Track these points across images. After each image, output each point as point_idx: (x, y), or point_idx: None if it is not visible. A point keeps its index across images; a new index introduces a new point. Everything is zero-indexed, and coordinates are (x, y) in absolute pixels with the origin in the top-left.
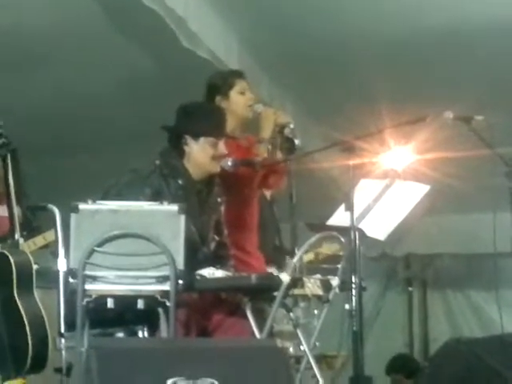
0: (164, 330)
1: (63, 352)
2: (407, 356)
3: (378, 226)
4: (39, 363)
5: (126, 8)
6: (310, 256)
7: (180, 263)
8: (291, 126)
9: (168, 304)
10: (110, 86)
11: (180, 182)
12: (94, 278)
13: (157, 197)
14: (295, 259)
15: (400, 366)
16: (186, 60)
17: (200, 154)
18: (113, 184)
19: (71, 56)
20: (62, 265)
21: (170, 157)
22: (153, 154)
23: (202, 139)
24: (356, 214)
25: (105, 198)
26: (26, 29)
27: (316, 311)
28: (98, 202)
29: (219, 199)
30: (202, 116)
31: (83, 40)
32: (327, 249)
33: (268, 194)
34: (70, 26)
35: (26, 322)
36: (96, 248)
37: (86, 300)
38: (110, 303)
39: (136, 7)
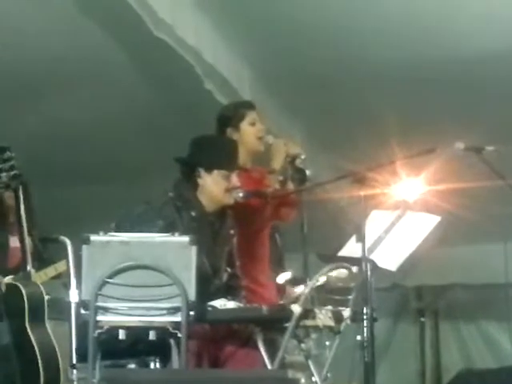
0: (176, 361)
1: (75, 383)
2: None
3: (390, 256)
4: None
5: (136, 39)
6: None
7: (191, 294)
8: (302, 156)
9: (179, 335)
10: (121, 117)
11: (193, 213)
12: (106, 310)
13: (170, 228)
14: (306, 290)
15: None
16: (193, 93)
17: (213, 187)
18: (126, 215)
19: (83, 86)
20: (73, 296)
21: (183, 189)
22: (165, 185)
23: (215, 172)
24: (367, 244)
25: (118, 229)
26: (36, 57)
27: (327, 342)
28: (110, 233)
29: (232, 231)
30: (215, 149)
31: (95, 70)
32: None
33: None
34: (82, 56)
35: (37, 354)
36: (107, 279)
37: (97, 331)
38: (121, 334)
39: (147, 39)
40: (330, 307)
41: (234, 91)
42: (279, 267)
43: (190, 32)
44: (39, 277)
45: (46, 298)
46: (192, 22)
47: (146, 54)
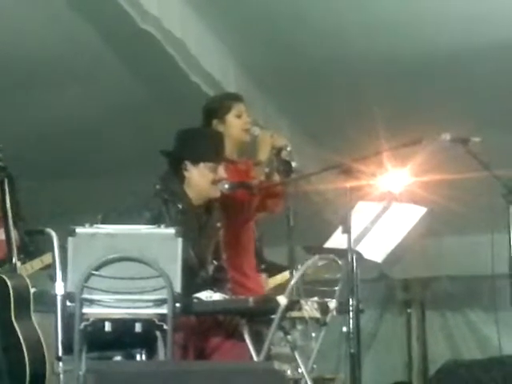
0: (162, 354)
1: (61, 376)
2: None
3: (376, 248)
4: None
5: (121, 32)
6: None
7: (177, 286)
8: (288, 148)
9: (165, 327)
10: (107, 110)
11: (180, 206)
12: (92, 302)
13: (156, 221)
14: (292, 282)
15: None
16: (180, 86)
17: (200, 179)
18: (113, 208)
19: (70, 80)
20: (59, 288)
21: (170, 181)
22: (153, 178)
23: (201, 164)
24: (353, 236)
25: (104, 221)
26: (25, 52)
27: (313, 334)
28: (96, 225)
29: (218, 223)
30: (201, 141)
31: (82, 64)
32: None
33: None
34: (69, 50)
35: (23, 346)
36: (93, 271)
37: (83, 323)
38: (107, 327)
39: (133, 31)
40: (315, 298)
41: (220, 84)
42: (258, 259)
43: (177, 24)
44: (25, 269)
45: (32, 290)
46: (179, 15)
47: (132, 48)
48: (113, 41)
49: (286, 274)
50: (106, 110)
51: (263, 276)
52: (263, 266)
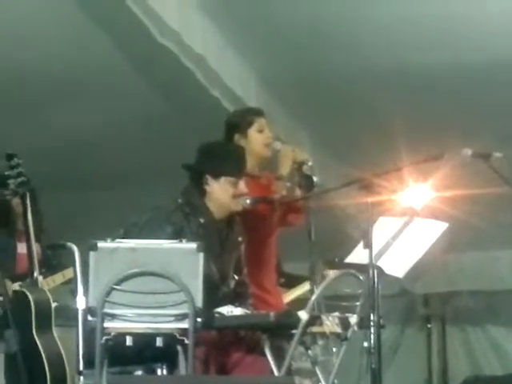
0: (183, 368)
1: None
2: None
3: (397, 263)
4: None
5: (140, 46)
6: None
7: (198, 301)
8: (309, 163)
9: (187, 342)
10: (124, 123)
11: (201, 220)
12: (113, 316)
13: (178, 235)
14: (314, 297)
15: None
16: (200, 100)
17: (221, 194)
18: (134, 222)
19: (88, 93)
20: (80, 303)
21: (191, 196)
22: (174, 192)
23: (222, 179)
24: (374, 251)
25: (126, 235)
26: (41, 65)
27: (334, 349)
28: (117, 240)
29: (240, 238)
30: (223, 156)
31: (100, 77)
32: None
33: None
34: (85, 62)
35: (44, 361)
36: (115, 286)
37: (104, 338)
38: (128, 341)
39: (152, 45)
40: (337, 313)
41: (241, 98)
42: (278, 273)
43: (198, 39)
44: (47, 283)
45: (54, 304)
46: (199, 29)
47: (149, 61)
48: (130, 53)
49: (305, 285)
50: (123, 123)
51: (282, 290)
52: (282, 280)
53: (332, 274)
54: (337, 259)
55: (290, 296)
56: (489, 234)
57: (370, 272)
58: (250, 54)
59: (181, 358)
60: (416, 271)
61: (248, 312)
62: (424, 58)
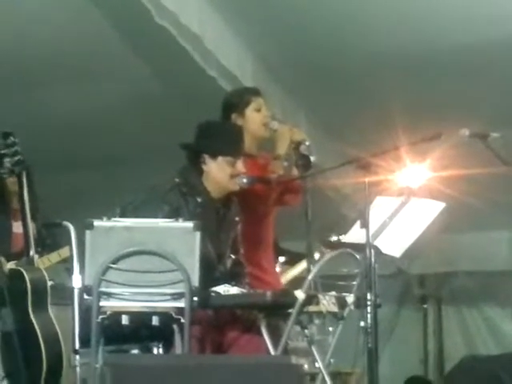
0: (179, 347)
1: (78, 369)
2: (422, 378)
3: (394, 243)
4: (54, 380)
5: (138, 26)
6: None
7: (195, 280)
8: (307, 142)
9: (183, 321)
10: (123, 103)
11: (199, 199)
12: (109, 295)
13: (175, 214)
14: (310, 276)
15: None
16: (197, 80)
17: (218, 173)
18: (131, 201)
19: (87, 75)
20: (76, 282)
21: (189, 175)
22: (171, 171)
23: (219, 158)
24: (371, 231)
25: (123, 214)
26: (41, 48)
27: (331, 328)
28: (113, 219)
29: (237, 218)
30: (220, 135)
31: (96, 57)
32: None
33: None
34: (84, 44)
35: (40, 339)
36: (111, 265)
37: (100, 317)
38: (124, 320)
39: (149, 25)
40: (333, 293)
41: (237, 78)
42: (276, 252)
43: (194, 19)
44: (42, 262)
45: (49, 283)
46: (196, 9)
47: (148, 42)
48: (128, 35)
49: (304, 264)
50: (120, 103)
51: (284, 268)
52: (285, 258)
53: (329, 253)
54: (334, 238)
55: (289, 274)
56: (486, 214)
57: (367, 251)
58: (246, 34)
59: (177, 337)
60: (413, 251)
61: (244, 291)
62: (422, 38)
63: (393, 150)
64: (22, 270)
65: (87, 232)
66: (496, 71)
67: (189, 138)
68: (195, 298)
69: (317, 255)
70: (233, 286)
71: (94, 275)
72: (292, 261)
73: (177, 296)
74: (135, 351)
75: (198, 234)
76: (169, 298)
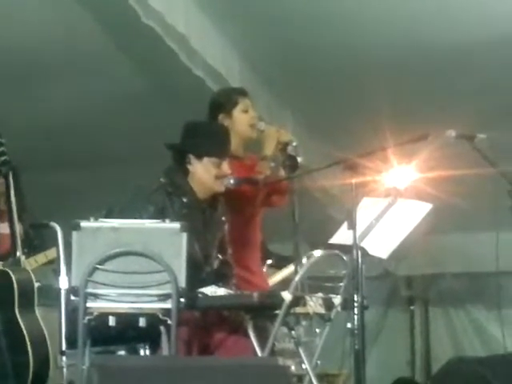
0: (166, 348)
1: (64, 370)
2: (409, 380)
3: (381, 244)
4: (40, 381)
5: (124, 25)
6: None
7: (182, 281)
8: (294, 143)
9: (170, 322)
10: (108, 103)
11: (184, 200)
12: (96, 296)
13: (160, 215)
14: (297, 277)
15: None
16: (183, 79)
17: (203, 174)
18: (116, 202)
19: (74, 74)
20: (63, 282)
21: (174, 175)
22: (157, 171)
23: (205, 159)
24: (358, 232)
25: (109, 215)
26: (26, 44)
27: (318, 330)
28: (100, 219)
29: (223, 218)
30: (206, 136)
31: (81, 57)
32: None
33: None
34: (70, 42)
35: (27, 340)
36: (98, 266)
37: (87, 318)
38: (111, 321)
39: (135, 25)
40: (320, 294)
41: (224, 78)
42: (264, 254)
43: (181, 19)
44: (29, 263)
45: (36, 284)
46: (182, 9)
47: (135, 42)
48: (115, 34)
49: (291, 268)
50: (107, 103)
51: (271, 271)
52: (271, 261)
53: (316, 254)
54: (320, 240)
55: (277, 277)
56: (472, 215)
57: (354, 253)
58: (233, 34)
59: (164, 338)
60: (400, 252)
61: (231, 292)
62: (410, 39)
63: (380, 150)
64: (8, 271)
65: (74, 233)
66: (483, 72)
67: (176, 138)
68: (182, 299)
69: (304, 259)
70: (220, 287)
71: (80, 276)
72: (279, 264)
73: (163, 297)
74: (122, 352)
75: (184, 235)
76: (155, 299)
